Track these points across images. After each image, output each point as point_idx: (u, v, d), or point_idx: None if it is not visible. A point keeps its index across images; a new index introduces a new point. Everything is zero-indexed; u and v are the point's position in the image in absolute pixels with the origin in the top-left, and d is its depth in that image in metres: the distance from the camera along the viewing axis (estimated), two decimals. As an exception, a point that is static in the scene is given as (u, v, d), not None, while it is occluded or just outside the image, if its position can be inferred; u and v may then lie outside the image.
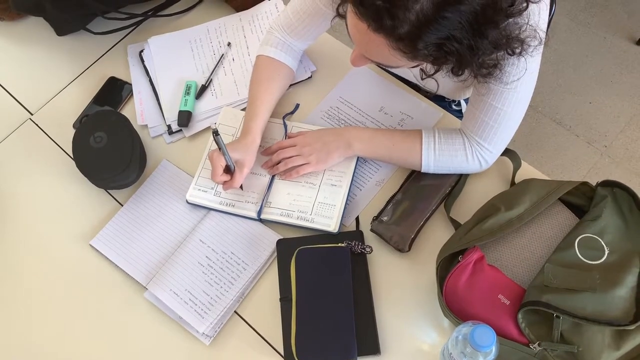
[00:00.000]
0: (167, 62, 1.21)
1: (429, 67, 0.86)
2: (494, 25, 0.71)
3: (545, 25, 0.87)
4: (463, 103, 1.27)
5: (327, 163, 1.04)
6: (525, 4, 0.73)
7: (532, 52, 0.79)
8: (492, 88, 0.90)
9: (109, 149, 1.03)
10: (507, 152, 1.02)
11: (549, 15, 0.94)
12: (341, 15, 0.82)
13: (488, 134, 0.95)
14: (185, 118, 1.13)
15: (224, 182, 1.01)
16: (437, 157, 0.99)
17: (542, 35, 0.80)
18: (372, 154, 1.04)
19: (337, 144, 1.03)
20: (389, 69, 1.18)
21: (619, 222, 0.90)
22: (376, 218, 1.01)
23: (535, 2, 0.77)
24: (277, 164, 1.05)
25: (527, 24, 0.77)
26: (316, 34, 1.09)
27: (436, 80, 0.96)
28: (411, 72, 1.13)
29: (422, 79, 0.91)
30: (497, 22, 0.72)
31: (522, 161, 1.04)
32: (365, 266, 0.98)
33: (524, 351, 0.85)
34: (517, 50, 0.78)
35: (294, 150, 1.04)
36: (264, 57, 1.10)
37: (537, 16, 0.82)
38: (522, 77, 0.86)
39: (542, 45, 0.81)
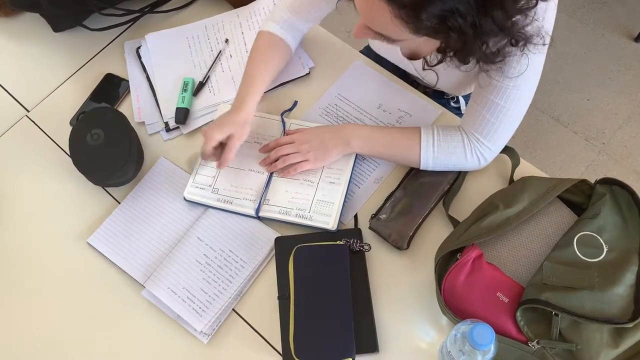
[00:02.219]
0: (165, 59, 1.20)
1: (432, 57, 0.85)
2: (500, 6, 0.71)
3: (551, 27, 0.87)
4: (462, 100, 1.26)
5: (326, 160, 1.03)
6: (534, 1, 0.73)
7: (535, 49, 0.79)
8: (495, 84, 0.89)
9: (106, 146, 1.02)
10: (505, 150, 1.02)
11: None
12: None
13: (488, 131, 0.95)
14: (182, 115, 1.12)
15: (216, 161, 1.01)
16: (436, 154, 0.99)
17: (546, 34, 0.80)
18: (371, 152, 1.04)
19: (336, 141, 1.03)
20: (390, 50, 1.15)
21: (617, 220, 0.90)
22: (375, 216, 1.01)
23: (545, 0, 0.77)
24: (275, 161, 1.05)
25: (533, 18, 0.77)
26: (319, 14, 1.09)
27: (436, 73, 0.95)
28: (412, 65, 1.12)
29: (424, 69, 0.90)
30: (504, 4, 0.71)
31: (520, 158, 1.04)
32: (363, 264, 0.98)
33: (522, 349, 0.85)
34: (521, 42, 0.78)
35: (292, 148, 1.04)
36: (265, 33, 1.10)
37: (544, 14, 0.82)
38: (524, 74, 0.86)
39: (547, 46, 0.81)
